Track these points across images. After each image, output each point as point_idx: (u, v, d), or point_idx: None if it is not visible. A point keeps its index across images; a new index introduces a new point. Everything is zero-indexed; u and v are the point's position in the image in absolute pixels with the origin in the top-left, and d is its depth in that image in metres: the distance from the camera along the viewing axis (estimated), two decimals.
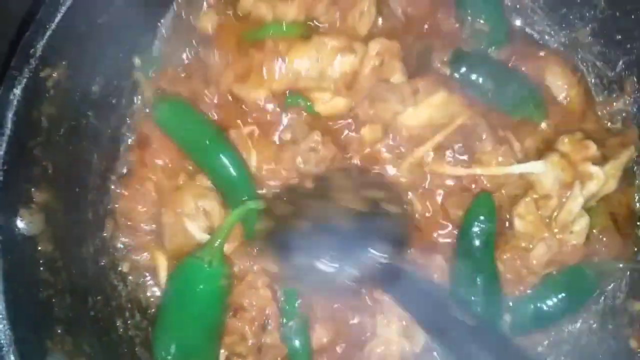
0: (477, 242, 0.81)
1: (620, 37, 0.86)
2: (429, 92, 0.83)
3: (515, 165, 0.83)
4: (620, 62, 0.87)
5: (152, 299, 0.86)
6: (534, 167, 0.82)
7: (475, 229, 0.81)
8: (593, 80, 0.91)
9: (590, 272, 0.84)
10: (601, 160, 0.82)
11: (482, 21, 0.88)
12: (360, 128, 0.85)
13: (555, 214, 0.81)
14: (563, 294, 0.83)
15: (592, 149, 0.82)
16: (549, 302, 0.84)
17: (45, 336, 0.70)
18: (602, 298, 0.87)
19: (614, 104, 0.89)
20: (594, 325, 0.88)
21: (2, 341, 0.65)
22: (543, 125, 0.87)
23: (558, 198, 0.81)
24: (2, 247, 0.67)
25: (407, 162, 0.84)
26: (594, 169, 0.81)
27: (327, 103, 0.83)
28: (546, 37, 0.92)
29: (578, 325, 0.88)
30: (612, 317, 0.87)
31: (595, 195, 0.82)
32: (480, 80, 0.85)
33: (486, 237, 0.82)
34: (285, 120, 0.84)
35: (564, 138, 0.82)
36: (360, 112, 0.84)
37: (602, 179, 0.81)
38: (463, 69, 0.85)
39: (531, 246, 0.82)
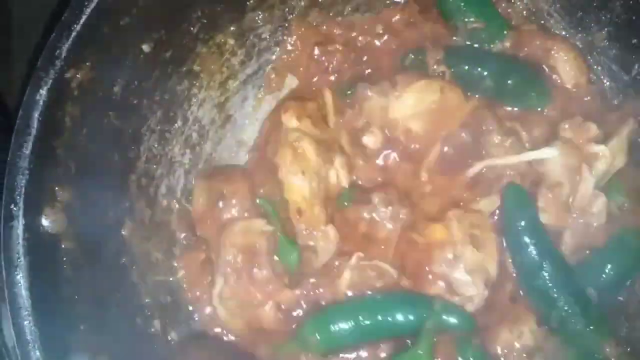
0: (525, 237, 0.80)
1: (636, 41, 0.86)
2: (408, 82, 0.84)
3: (529, 152, 0.83)
4: (636, 66, 0.88)
5: (169, 298, 0.87)
6: (547, 153, 0.82)
7: (519, 222, 0.81)
8: (608, 84, 0.92)
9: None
10: (604, 139, 0.83)
11: (473, 20, 0.89)
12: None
13: (570, 199, 0.82)
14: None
15: (593, 129, 0.83)
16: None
17: (69, 333, 0.71)
18: None
19: None
20: None
21: (27, 337, 0.66)
22: (547, 111, 0.87)
23: (570, 184, 0.82)
24: (28, 245, 0.68)
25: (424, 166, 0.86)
26: (599, 148, 0.82)
27: None
28: None
29: None
30: None
31: (607, 172, 0.83)
32: (477, 73, 0.86)
33: (532, 223, 0.81)
34: None
35: (564, 124, 0.83)
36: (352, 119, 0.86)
37: (608, 156, 0.81)
38: (458, 64, 0.86)
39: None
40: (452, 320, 0.79)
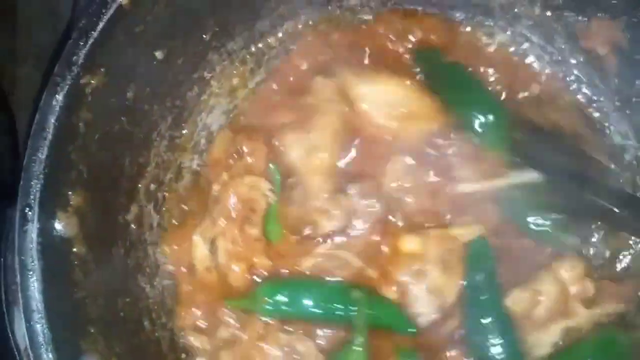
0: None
1: None
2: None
3: (511, 174, 0.84)
4: None
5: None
6: (530, 177, 0.83)
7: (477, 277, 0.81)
8: None
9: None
10: (591, 304, 0.81)
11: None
12: None
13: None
14: None
15: (590, 290, 0.81)
16: None
17: (80, 336, 0.72)
18: None
19: None
20: None
21: (40, 339, 0.67)
22: None
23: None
24: (42, 249, 0.69)
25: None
26: (583, 312, 0.81)
27: None
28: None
29: None
30: None
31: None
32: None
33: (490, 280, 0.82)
34: None
35: (564, 267, 0.82)
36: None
37: (584, 322, 0.81)
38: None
39: None
40: (386, 319, 0.81)
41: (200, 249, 0.85)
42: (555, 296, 0.81)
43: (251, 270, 0.84)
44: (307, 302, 0.81)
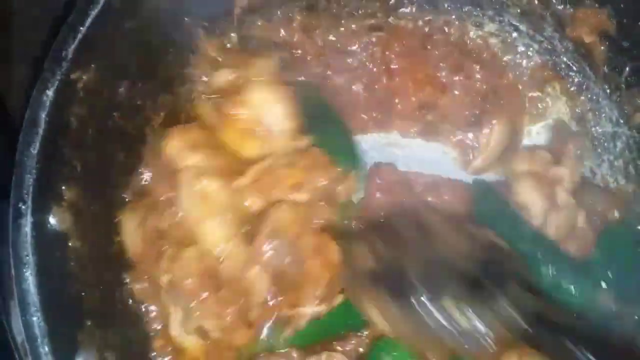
0: None
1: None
2: None
3: None
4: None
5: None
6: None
7: None
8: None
9: None
10: (557, 159, 0.85)
11: None
12: None
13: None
14: None
15: (544, 154, 0.85)
16: None
17: (76, 329, 0.72)
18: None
19: None
20: None
21: (36, 332, 0.68)
22: None
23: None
24: (36, 243, 0.70)
25: None
26: (560, 170, 0.84)
27: None
28: None
29: None
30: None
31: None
32: None
33: None
34: None
35: (516, 157, 0.86)
36: None
37: (569, 175, 0.84)
38: None
39: None
40: None
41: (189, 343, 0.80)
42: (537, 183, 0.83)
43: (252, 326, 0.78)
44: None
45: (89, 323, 0.74)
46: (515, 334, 0.67)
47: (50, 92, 0.72)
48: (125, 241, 0.82)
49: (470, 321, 0.66)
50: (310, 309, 0.77)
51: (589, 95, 0.94)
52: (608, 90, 0.92)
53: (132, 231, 0.81)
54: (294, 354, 0.78)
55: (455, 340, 0.67)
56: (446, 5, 0.95)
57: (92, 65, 0.75)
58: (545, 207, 0.83)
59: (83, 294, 0.75)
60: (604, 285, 0.79)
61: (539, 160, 0.85)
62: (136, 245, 0.81)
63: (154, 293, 0.81)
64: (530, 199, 0.83)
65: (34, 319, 0.68)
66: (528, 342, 0.67)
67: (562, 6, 0.90)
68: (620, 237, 0.85)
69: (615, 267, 0.80)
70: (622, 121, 0.92)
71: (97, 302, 0.76)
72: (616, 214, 0.86)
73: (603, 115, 0.93)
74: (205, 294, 0.74)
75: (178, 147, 0.78)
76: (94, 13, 0.74)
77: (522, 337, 0.67)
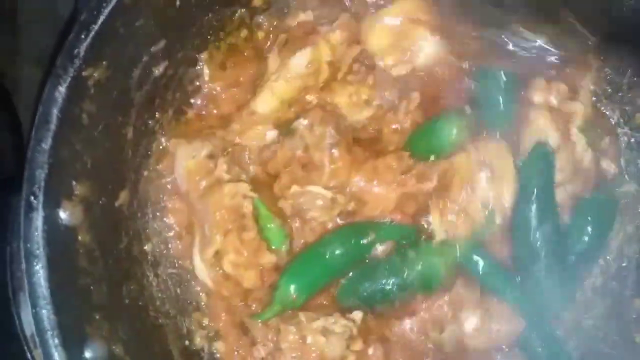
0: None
1: None
2: None
3: None
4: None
5: (179, 290, 0.90)
6: None
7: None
8: None
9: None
10: (573, 94, 0.86)
11: None
12: None
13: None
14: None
15: (563, 88, 0.86)
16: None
17: (85, 322, 0.73)
18: (610, 296, 0.92)
19: None
20: (601, 323, 0.92)
21: (46, 325, 0.69)
22: None
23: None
24: (47, 237, 0.70)
25: None
26: (575, 106, 0.85)
27: None
28: None
29: (585, 322, 0.92)
30: (619, 314, 0.91)
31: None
32: None
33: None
34: None
35: (533, 92, 0.85)
36: None
37: (582, 109, 0.85)
38: None
39: None
40: None
41: (203, 269, 0.86)
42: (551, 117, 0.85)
43: (262, 274, 0.85)
44: (330, 259, 0.83)
45: (97, 316, 0.75)
46: None
47: (62, 89, 0.73)
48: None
49: None
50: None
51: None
52: (609, 91, 0.93)
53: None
54: (302, 318, 0.81)
55: None
56: None
57: (104, 62, 0.76)
58: (558, 141, 0.84)
59: (92, 287, 0.76)
60: None
61: (555, 94, 0.85)
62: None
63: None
64: (545, 132, 0.84)
65: (44, 311, 0.69)
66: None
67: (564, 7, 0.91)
68: None
69: None
70: (622, 122, 0.93)
71: (106, 295, 0.77)
72: None
73: (606, 113, 0.94)
74: (230, 226, 0.82)
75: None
76: (106, 11, 0.75)
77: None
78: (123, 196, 0.84)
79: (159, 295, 0.87)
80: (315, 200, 0.84)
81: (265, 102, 0.87)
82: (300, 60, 0.86)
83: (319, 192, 0.84)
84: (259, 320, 0.84)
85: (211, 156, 0.85)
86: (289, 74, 0.86)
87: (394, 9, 0.89)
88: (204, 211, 0.84)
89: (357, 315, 0.83)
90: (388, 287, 0.84)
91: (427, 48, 0.88)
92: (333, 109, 0.87)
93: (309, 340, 0.81)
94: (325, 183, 0.84)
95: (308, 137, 0.84)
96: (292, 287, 0.82)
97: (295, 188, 0.84)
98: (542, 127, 0.84)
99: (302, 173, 0.85)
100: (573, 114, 0.86)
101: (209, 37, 0.92)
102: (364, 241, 0.84)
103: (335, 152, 0.84)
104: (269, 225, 0.85)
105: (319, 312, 0.84)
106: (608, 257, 0.92)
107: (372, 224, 0.85)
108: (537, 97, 0.86)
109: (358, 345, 0.83)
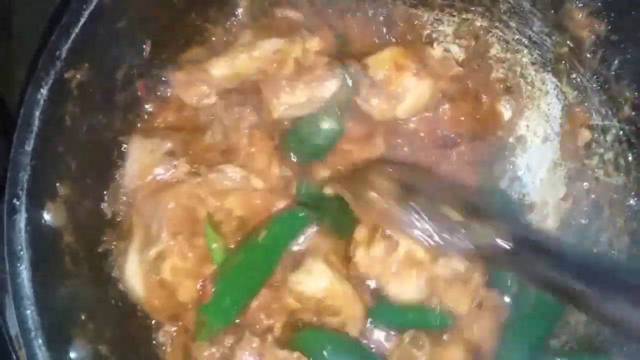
0: None
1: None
2: None
3: None
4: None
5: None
6: None
7: None
8: None
9: None
10: None
11: None
12: None
13: None
14: None
15: None
16: None
17: (70, 322, 0.74)
18: None
19: None
20: None
21: (30, 325, 0.69)
22: None
23: None
24: (30, 238, 0.71)
25: None
26: None
27: None
28: None
29: (576, 316, 0.90)
30: None
31: None
32: None
33: None
34: None
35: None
36: None
37: None
38: None
39: None
40: None
41: (136, 273, 0.81)
42: None
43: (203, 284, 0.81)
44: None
45: (82, 317, 0.75)
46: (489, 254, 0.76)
47: (44, 91, 0.73)
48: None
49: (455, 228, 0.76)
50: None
51: (578, 89, 0.95)
52: (597, 84, 0.92)
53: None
54: (228, 342, 0.79)
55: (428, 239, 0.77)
56: None
57: (86, 64, 0.77)
58: None
59: (77, 288, 0.76)
60: None
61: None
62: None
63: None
64: None
65: (28, 312, 0.70)
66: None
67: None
68: None
69: None
70: (610, 114, 0.92)
71: (91, 296, 0.77)
72: None
73: (593, 108, 0.94)
74: (180, 229, 0.80)
75: None
76: (86, 13, 0.75)
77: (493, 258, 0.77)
78: (107, 197, 0.84)
79: None
80: (225, 180, 0.82)
81: (221, 67, 0.85)
82: (270, 45, 0.85)
83: (231, 170, 0.82)
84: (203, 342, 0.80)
85: (171, 153, 0.84)
86: (255, 52, 0.85)
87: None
88: (153, 209, 0.81)
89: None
90: None
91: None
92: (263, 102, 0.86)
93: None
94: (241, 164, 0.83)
95: (226, 118, 0.83)
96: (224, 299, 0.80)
97: (203, 169, 0.82)
98: None
99: (220, 159, 0.84)
100: None
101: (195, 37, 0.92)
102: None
103: (254, 134, 0.83)
104: (213, 246, 0.82)
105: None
106: (597, 250, 0.92)
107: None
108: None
109: None
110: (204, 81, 0.85)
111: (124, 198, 0.84)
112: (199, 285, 0.81)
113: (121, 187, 0.84)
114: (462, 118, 0.94)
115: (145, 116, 0.89)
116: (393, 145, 0.91)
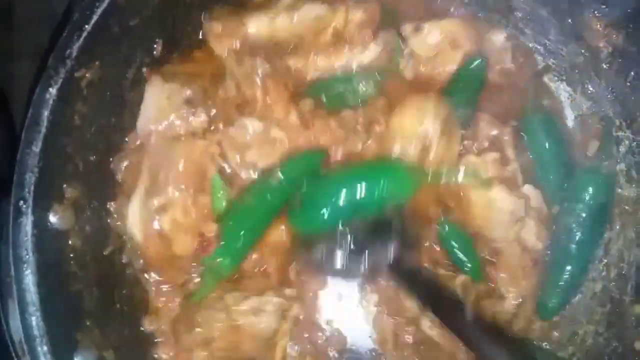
0: None
1: None
2: None
3: None
4: None
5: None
6: None
7: None
8: None
9: None
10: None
11: None
12: None
13: None
14: None
15: (494, 155, 0.85)
16: None
17: (75, 328, 0.72)
18: (609, 302, 0.90)
19: None
20: (600, 329, 0.90)
21: (35, 332, 0.68)
22: None
23: None
24: (36, 241, 0.69)
25: None
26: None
27: None
28: None
29: (584, 327, 0.91)
30: (618, 319, 0.89)
31: None
32: None
33: None
34: None
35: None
36: None
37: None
38: None
39: None
40: None
41: (137, 220, 0.79)
42: None
43: (200, 240, 0.80)
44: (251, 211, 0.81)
45: (88, 322, 0.74)
46: None
47: (53, 90, 0.71)
48: None
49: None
50: None
51: (593, 99, 0.94)
52: (612, 94, 0.92)
53: None
54: (229, 301, 0.78)
55: None
56: None
57: (97, 63, 0.75)
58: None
59: (83, 292, 0.75)
60: None
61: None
62: None
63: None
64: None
65: (33, 318, 0.68)
66: None
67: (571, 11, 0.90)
68: None
69: None
70: (624, 126, 0.92)
71: (96, 301, 0.76)
72: None
73: (606, 119, 0.93)
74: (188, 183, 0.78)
75: None
76: (99, 11, 0.73)
77: None
78: (115, 199, 0.82)
79: (152, 301, 0.85)
80: (246, 134, 0.80)
81: (260, 24, 0.83)
82: (313, 10, 0.83)
83: (250, 122, 0.80)
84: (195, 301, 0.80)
85: (189, 102, 0.80)
86: (296, 15, 0.83)
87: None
88: (164, 158, 0.78)
89: None
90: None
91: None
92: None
93: (241, 322, 0.78)
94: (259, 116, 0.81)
95: (237, 72, 0.81)
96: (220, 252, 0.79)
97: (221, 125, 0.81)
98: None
99: (236, 114, 0.82)
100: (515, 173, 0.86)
101: None
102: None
103: (267, 84, 0.81)
104: (219, 194, 0.81)
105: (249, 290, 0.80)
106: (607, 261, 0.91)
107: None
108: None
109: (294, 311, 0.82)
110: (239, 35, 0.82)
111: (138, 142, 0.82)
112: (196, 242, 0.80)
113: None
114: None
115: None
116: None
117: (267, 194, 0.81)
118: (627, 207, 0.91)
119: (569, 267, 0.88)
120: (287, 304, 0.81)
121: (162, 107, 0.80)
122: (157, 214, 0.78)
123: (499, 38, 0.92)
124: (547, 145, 0.90)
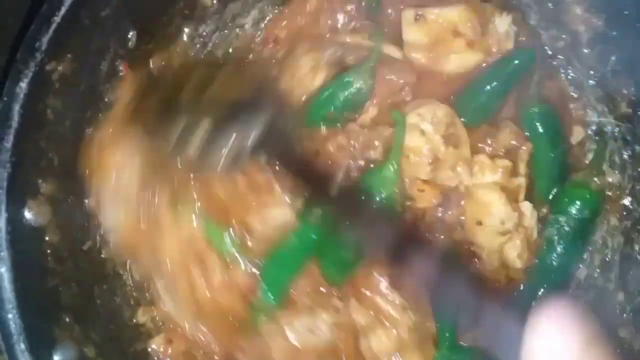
0: None
1: None
2: None
3: None
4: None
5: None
6: None
7: None
8: None
9: None
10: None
11: None
12: None
13: None
14: None
15: (506, 163, 0.85)
16: None
17: (54, 325, 0.72)
18: (593, 289, 0.91)
19: None
20: None
21: (12, 330, 0.67)
22: None
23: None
24: (11, 238, 0.68)
25: None
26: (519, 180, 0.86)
27: None
28: None
29: None
30: (602, 307, 0.90)
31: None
32: None
33: None
34: None
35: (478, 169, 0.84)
36: None
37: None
38: None
39: None
40: None
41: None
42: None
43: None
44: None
45: (67, 319, 0.73)
46: None
47: (23, 84, 0.70)
48: None
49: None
50: None
51: (574, 84, 0.93)
52: (594, 80, 0.91)
53: None
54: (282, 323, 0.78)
55: None
56: None
57: (69, 55, 0.73)
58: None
59: (61, 288, 0.74)
60: None
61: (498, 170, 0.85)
62: None
63: None
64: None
65: (10, 316, 0.67)
66: None
67: None
68: None
69: None
70: (607, 111, 0.91)
71: (75, 296, 0.75)
72: None
73: (588, 105, 0.93)
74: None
75: None
76: (68, 2, 0.72)
77: None
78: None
79: (133, 294, 0.85)
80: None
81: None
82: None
83: None
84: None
85: None
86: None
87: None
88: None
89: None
90: None
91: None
92: None
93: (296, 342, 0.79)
94: None
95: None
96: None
97: None
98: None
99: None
100: (520, 187, 0.86)
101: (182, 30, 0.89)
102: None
103: None
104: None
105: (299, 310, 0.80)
106: (591, 248, 0.91)
107: None
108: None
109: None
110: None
111: None
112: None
113: None
114: None
115: None
116: None
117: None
118: (609, 193, 0.91)
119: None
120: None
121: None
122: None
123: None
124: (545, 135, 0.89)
